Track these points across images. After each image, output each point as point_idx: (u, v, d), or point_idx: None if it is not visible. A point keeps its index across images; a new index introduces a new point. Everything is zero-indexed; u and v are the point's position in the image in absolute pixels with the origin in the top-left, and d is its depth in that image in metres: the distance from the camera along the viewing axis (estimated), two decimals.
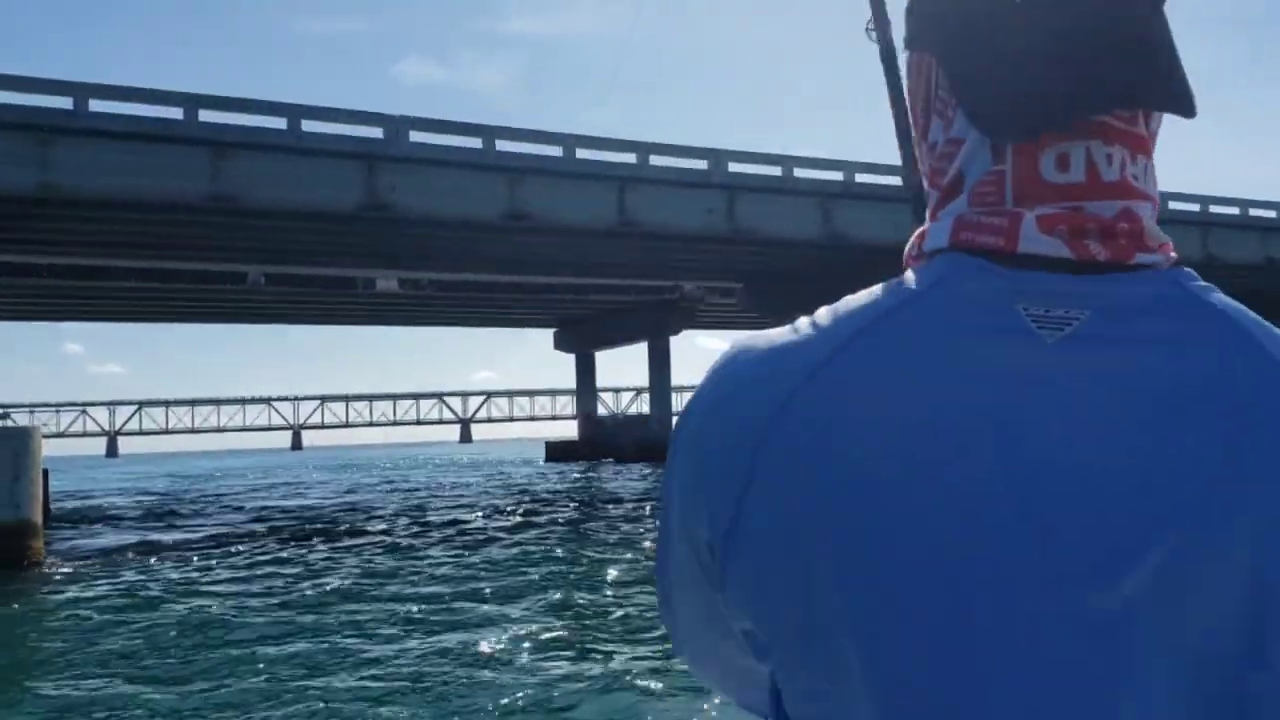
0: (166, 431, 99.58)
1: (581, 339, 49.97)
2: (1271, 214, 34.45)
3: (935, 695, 0.59)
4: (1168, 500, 0.58)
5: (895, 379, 0.62)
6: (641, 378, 48.36)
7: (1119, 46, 0.63)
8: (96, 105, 20.50)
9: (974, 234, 0.66)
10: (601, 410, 59.86)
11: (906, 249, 0.73)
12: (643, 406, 65.46)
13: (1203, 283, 0.65)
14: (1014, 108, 0.63)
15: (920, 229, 0.72)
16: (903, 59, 0.77)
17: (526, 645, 8.32)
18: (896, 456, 0.60)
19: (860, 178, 28.05)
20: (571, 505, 23.75)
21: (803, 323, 0.68)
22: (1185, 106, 0.63)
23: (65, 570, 14.56)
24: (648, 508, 21.73)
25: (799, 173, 27.65)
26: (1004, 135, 0.65)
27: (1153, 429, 0.59)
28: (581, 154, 24.89)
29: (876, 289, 0.68)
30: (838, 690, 0.61)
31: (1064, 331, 0.61)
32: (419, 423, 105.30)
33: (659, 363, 45.34)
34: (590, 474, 38.11)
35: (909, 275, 0.68)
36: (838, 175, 28.26)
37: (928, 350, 0.62)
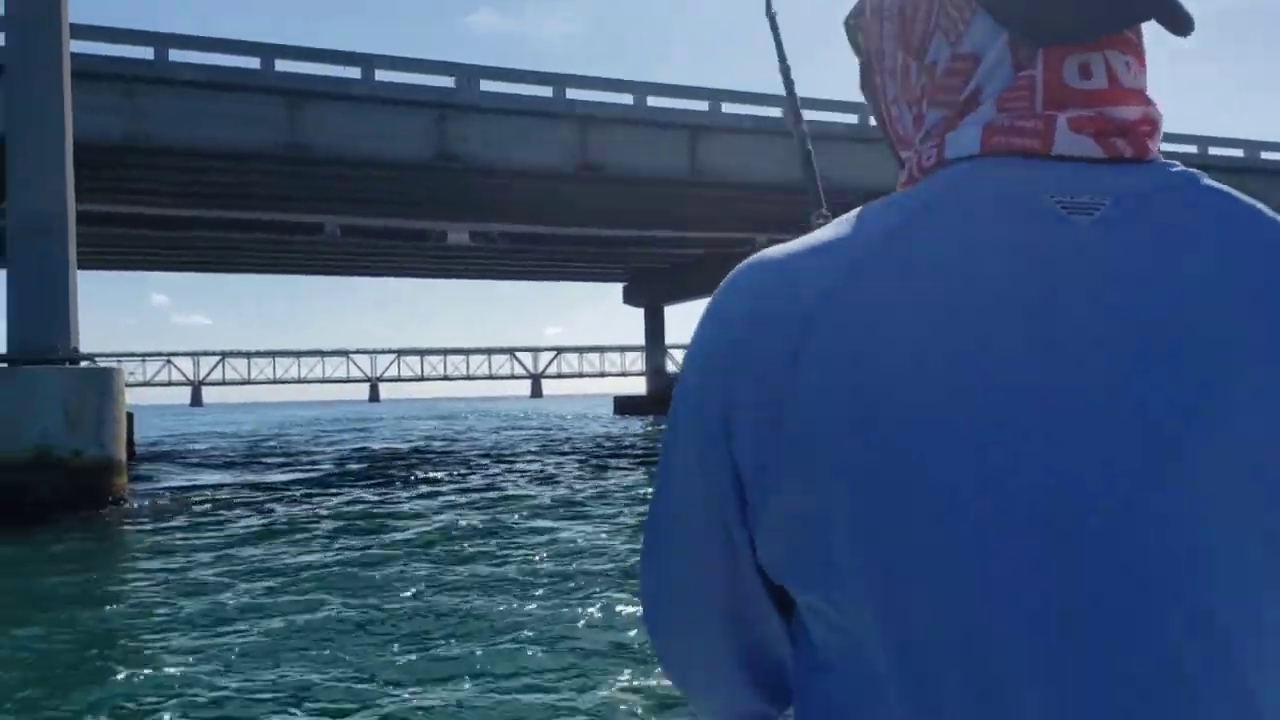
0: (249, 382, 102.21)
1: (652, 293, 49.91)
2: None
3: (951, 614, 0.59)
4: (1201, 367, 0.60)
5: (940, 271, 0.63)
6: None
7: None
8: (176, 55, 20.87)
9: (1008, 138, 0.67)
10: (670, 367, 59.85)
11: (906, 172, 0.73)
12: None
13: (1194, 170, 0.68)
14: (1059, 14, 0.66)
15: (929, 147, 0.71)
16: None
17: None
18: (946, 351, 0.61)
19: None
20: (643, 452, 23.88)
21: (825, 228, 0.69)
22: (1186, 20, 0.67)
23: (148, 507, 15.06)
24: None
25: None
26: (1050, 39, 0.67)
27: (1183, 300, 0.62)
28: (652, 101, 24.69)
29: (899, 192, 0.70)
30: (853, 621, 0.63)
31: (1093, 216, 0.64)
32: (491, 377, 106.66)
33: None
34: (659, 426, 38.22)
35: (930, 179, 0.69)
36: None
37: (966, 238, 0.64)
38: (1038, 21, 0.66)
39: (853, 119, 26.66)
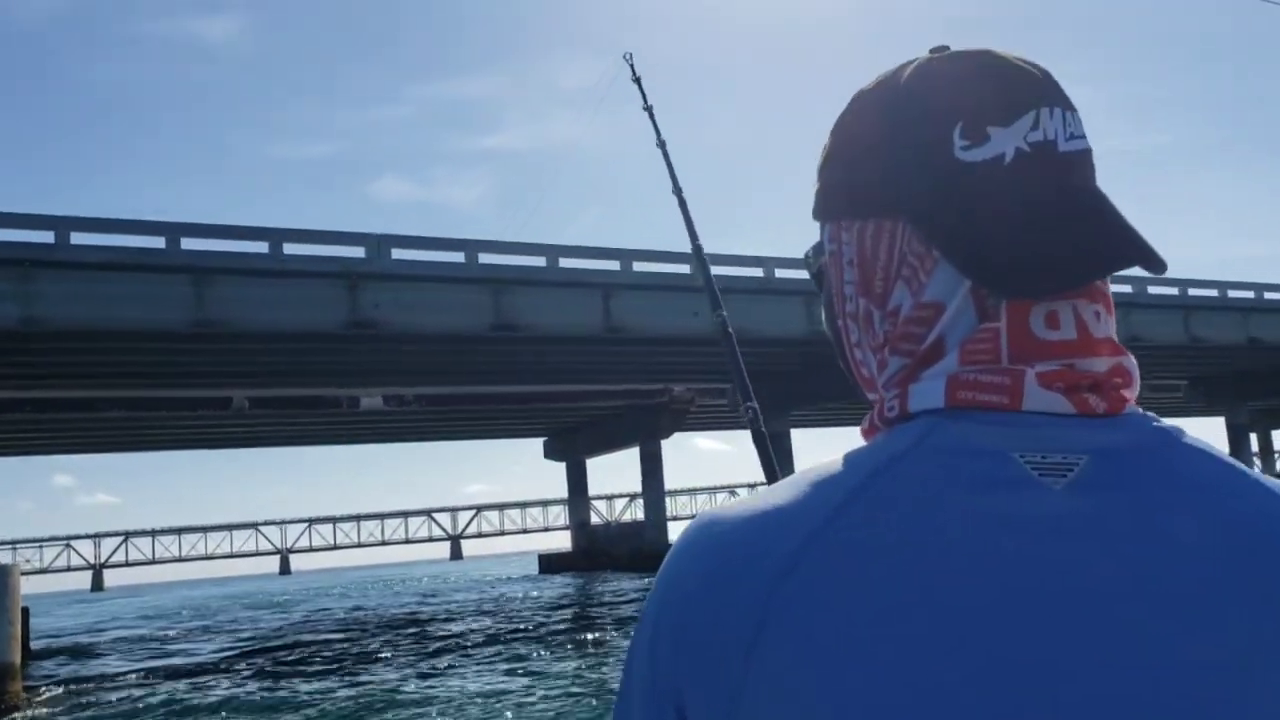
0: (153, 562, 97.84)
1: (572, 447, 49.65)
2: (1250, 294, 34.77)
3: None
4: (1196, 657, 0.56)
5: (900, 542, 0.59)
6: (635, 482, 47.96)
7: (1105, 208, 0.66)
8: (78, 238, 20.58)
9: (975, 393, 0.64)
10: (595, 519, 59.20)
11: (869, 419, 0.70)
12: (637, 513, 64.82)
13: (1171, 424, 0.65)
14: (1027, 267, 0.63)
15: (891, 396, 0.68)
16: (819, 231, 0.76)
17: None
18: (909, 631, 0.58)
19: None
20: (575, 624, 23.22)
21: (781, 488, 0.64)
22: (1160, 263, 0.65)
23: (45, 714, 14.03)
24: None
25: (780, 273, 27.86)
26: (1017, 292, 0.64)
27: (1165, 573, 0.58)
28: (565, 263, 25.07)
29: (859, 449, 0.66)
30: None
31: (1066, 478, 0.60)
32: (408, 541, 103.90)
33: (651, 467, 44.97)
34: (588, 587, 37.38)
35: (891, 434, 0.66)
36: None
37: (929, 506, 0.60)
38: (1002, 276, 0.63)
39: (758, 272, 27.41)
